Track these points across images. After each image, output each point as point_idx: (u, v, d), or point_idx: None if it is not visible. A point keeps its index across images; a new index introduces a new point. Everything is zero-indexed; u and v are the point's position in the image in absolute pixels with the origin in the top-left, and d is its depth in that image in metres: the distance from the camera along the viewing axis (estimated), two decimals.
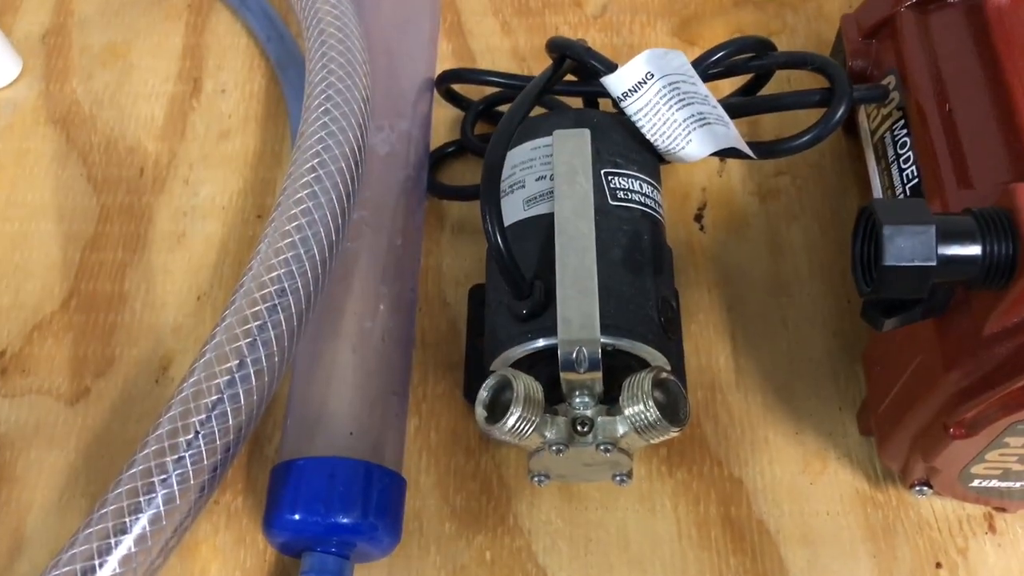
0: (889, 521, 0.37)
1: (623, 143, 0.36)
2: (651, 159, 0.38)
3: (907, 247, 0.26)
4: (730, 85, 0.43)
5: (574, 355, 0.30)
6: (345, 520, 0.33)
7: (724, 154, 0.37)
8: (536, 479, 0.34)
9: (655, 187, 0.37)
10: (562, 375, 0.31)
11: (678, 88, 0.35)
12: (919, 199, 0.28)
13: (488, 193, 0.32)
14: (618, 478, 0.34)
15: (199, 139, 0.48)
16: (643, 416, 0.30)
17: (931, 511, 0.37)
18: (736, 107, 0.38)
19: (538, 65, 0.49)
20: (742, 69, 0.39)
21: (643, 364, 0.33)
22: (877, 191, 0.39)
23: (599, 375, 0.31)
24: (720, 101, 0.37)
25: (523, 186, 0.36)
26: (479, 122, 0.45)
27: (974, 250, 0.27)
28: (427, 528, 0.37)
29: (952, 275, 0.27)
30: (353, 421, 0.35)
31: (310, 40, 0.41)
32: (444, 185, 0.45)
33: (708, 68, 0.38)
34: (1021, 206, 0.27)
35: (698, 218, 0.45)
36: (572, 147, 0.34)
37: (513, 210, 0.35)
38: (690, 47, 0.51)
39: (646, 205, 0.36)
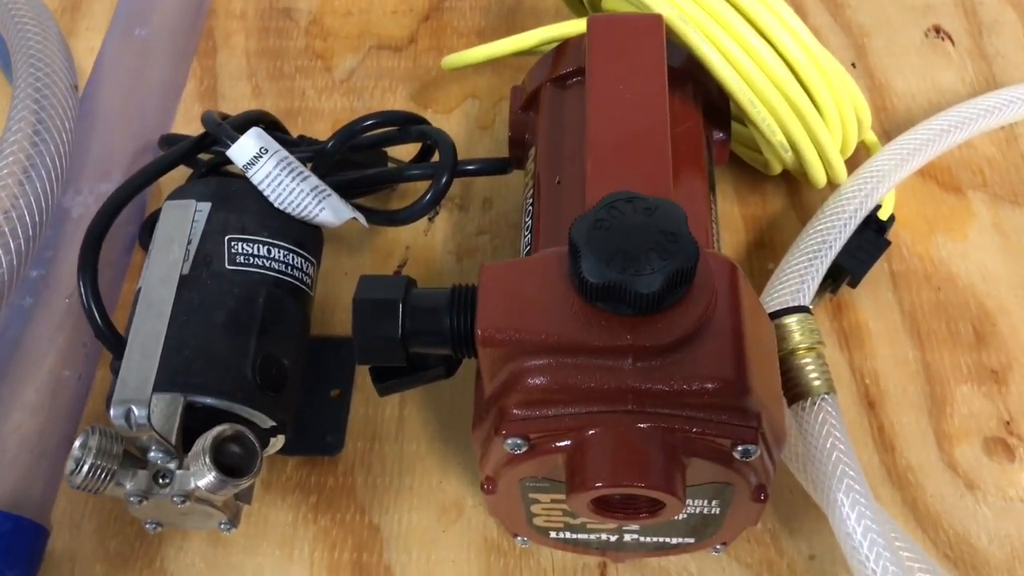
0: (510, 569, 0.39)
1: (259, 211, 0.39)
2: (297, 225, 0.40)
3: (372, 320, 0.28)
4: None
5: (125, 415, 0.33)
6: None
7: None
8: (148, 526, 0.37)
9: (292, 251, 0.39)
10: (120, 433, 0.33)
11: (292, 163, 0.38)
12: (404, 277, 0.30)
13: (83, 260, 0.35)
14: (222, 526, 0.36)
15: None
16: (201, 472, 0.33)
17: (551, 561, 0.39)
18: (371, 178, 0.41)
19: None
20: (386, 142, 0.41)
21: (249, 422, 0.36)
22: (521, 256, 0.42)
23: (152, 433, 0.33)
24: (360, 173, 0.40)
25: None
26: None
27: (441, 323, 0.29)
28: (78, 571, 0.40)
29: (426, 345, 0.29)
30: None
31: (17, 89, 0.44)
32: None
33: (358, 134, 0.41)
34: (482, 281, 0.29)
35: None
36: (175, 218, 0.36)
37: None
38: (424, 110, 0.53)
39: (271, 268, 0.38)
